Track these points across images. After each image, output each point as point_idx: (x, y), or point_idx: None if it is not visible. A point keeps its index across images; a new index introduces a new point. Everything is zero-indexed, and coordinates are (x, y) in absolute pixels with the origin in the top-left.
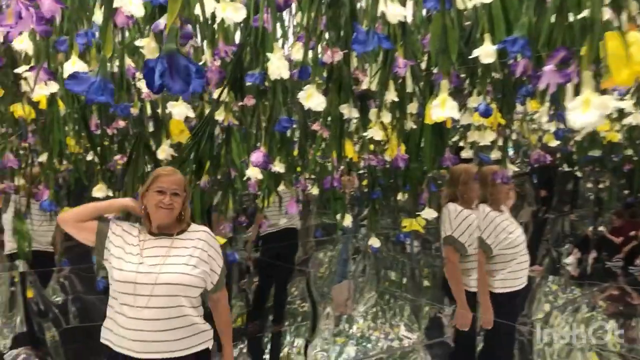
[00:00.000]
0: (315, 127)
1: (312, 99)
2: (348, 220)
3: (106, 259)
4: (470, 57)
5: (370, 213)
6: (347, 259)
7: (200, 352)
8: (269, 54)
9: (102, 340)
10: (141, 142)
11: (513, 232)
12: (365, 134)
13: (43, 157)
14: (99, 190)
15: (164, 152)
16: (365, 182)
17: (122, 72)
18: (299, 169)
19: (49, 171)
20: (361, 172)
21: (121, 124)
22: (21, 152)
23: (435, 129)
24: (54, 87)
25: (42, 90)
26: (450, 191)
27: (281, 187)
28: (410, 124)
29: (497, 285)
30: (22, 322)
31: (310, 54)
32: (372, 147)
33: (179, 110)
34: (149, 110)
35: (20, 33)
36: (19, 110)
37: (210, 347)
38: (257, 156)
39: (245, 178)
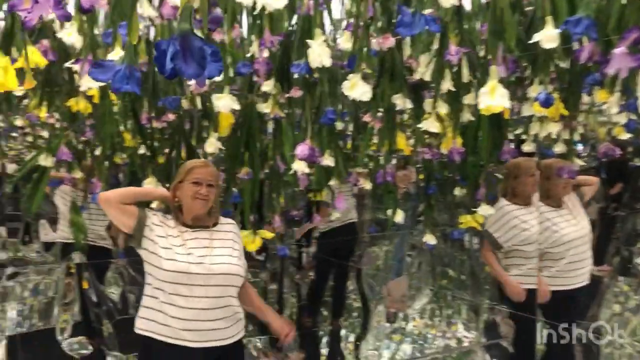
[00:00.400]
0: (367, 118)
1: (357, 88)
2: (399, 216)
3: (145, 247)
4: (530, 42)
5: (425, 209)
6: (403, 256)
7: (239, 339)
8: (309, 41)
9: (139, 331)
10: (183, 136)
11: (561, 230)
12: (419, 125)
13: (99, 151)
14: (149, 184)
15: (212, 145)
16: (421, 177)
17: None
18: (352, 162)
19: (101, 164)
20: (417, 166)
21: (170, 117)
22: (79, 146)
23: (493, 120)
24: None
25: (89, 83)
26: (503, 186)
27: (333, 182)
28: (467, 116)
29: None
30: (79, 313)
31: (358, 42)
32: (426, 139)
33: (224, 102)
34: (198, 104)
35: (40, 17)
36: (75, 104)
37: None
38: (302, 149)
39: (291, 172)
